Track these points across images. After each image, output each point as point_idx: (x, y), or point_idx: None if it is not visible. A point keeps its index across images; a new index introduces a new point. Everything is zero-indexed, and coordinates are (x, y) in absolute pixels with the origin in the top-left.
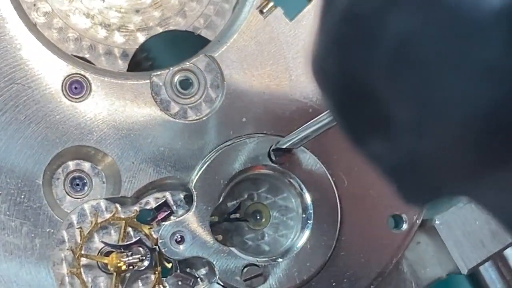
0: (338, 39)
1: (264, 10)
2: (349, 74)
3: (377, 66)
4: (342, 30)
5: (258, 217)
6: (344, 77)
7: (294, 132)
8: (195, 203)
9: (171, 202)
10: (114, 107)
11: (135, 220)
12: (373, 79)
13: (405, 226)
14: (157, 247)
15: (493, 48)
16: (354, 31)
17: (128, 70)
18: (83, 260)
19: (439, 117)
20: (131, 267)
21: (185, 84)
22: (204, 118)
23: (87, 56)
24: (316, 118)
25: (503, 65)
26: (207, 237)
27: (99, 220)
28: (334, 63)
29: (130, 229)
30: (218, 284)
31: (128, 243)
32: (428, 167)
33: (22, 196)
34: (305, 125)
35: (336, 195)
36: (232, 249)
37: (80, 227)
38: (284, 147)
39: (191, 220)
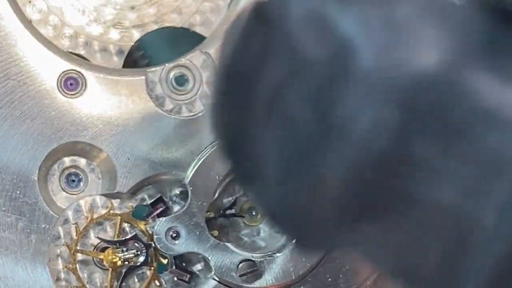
0: (222, 92)
1: None
2: (232, 124)
3: (253, 118)
4: (225, 84)
5: (253, 213)
6: (228, 125)
7: None
8: (190, 199)
9: (167, 198)
10: (109, 103)
11: (131, 216)
12: (250, 130)
13: None
14: (152, 242)
15: (351, 111)
16: (234, 86)
17: (124, 67)
18: (79, 256)
19: (304, 170)
20: (126, 262)
21: (181, 80)
22: (199, 115)
23: (82, 52)
24: None
25: (358, 128)
26: (203, 232)
27: (95, 216)
28: (221, 113)
29: (125, 225)
30: (214, 279)
31: (123, 238)
32: (297, 217)
33: (18, 192)
34: None
35: None
36: (228, 244)
37: (76, 223)
38: None
39: (187, 216)
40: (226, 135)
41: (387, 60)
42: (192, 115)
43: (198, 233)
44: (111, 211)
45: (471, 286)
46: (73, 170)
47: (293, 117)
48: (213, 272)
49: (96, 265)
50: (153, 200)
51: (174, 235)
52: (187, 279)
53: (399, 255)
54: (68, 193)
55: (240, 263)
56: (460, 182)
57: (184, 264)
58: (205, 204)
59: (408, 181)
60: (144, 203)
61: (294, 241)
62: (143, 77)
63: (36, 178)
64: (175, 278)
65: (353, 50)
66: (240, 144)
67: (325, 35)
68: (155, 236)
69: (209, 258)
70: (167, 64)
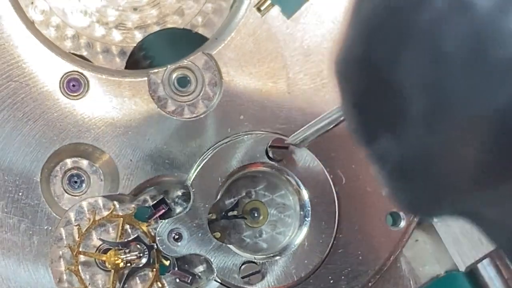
0: (369, 30)
1: (262, 8)
2: (373, 66)
3: (403, 58)
4: (373, 22)
5: (256, 215)
6: (367, 69)
7: (303, 129)
8: (192, 201)
9: (169, 200)
10: (111, 104)
11: (133, 217)
12: (397, 72)
13: (403, 224)
14: (155, 244)
15: (510, 57)
16: (386, 23)
17: (126, 68)
18: (81, 258)
19: (451, 114)
20: (129, 264)
21: (183, 81)
22: (201, 116)
23: (85, 54)
24: (325, 114)
25: None
26: (205, 234)
27: (97, 217)
28: (360, 55)
29: (128, 226)
30: (216, 281)
31: (126, 240)
32: (434, 168)
33: (20, 194)
34: (313, 121)
35: (334, 192)
36: (230, 246)
37: (78, 225)
38: (295, 143)
39: (189, 218)
40: (363, 78)
41: None
42: (194, 117)
43: (200, 234)
44: (114, 213)
45: None
46: (76, 171)
47: (450, 54)
48: (215, 274)
49: (98, 267)
50: (155, 201)
51: (177, 236)
52: (189, 281)
53: None
54: (70, 194)
55: (242, 264)
56: None
57: (186, 265)
58: (207, 205)
59: None
60: (146, 205)
61: (413, 203)
62: (146, 79)
63: (38, 180)
64: (177, 280)
65: None
66: (380, 87)
67: None
68: (157, 238)
69: (211, 259)
70: (169, 66)
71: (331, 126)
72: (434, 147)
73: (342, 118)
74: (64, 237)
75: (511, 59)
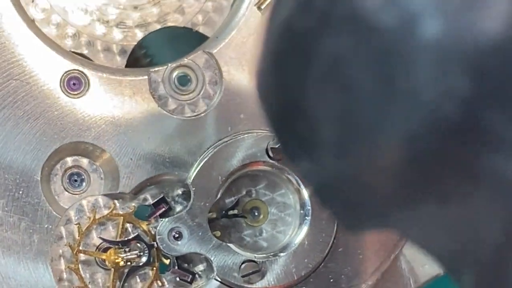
0: (277, 53)
1: (262, 7)
2: (286, 90)
3: (310, 83)
4: (280, 45)
5: (256, 214)
6: (281, 92)
7: None
8: (193, 200)
9: (169, 199)
10: (112, 103)
11: (133, 216)
12: (306, 97)
13: None
14: (155, 243)
15: (419, 78)
16: (291, 47)
17: (127, 67)
18: (81, 256)
19: (363, 140)
20: (129, 263)
21: (183, 80)
22: (202, 115)
23: (85, 52)
24: None
25: (426, 95)
26: (205, 233)
27: (97, 216)
28: (273, 77)
29: (128, 225)
30: (216, 280)
31: (126, 239)
32: (352, 192)
33: (20, 192)
34: None
35: None
36: (230, 245)
37: (78, 223)
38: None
39: (189, 216)
40: (277, 101)
41: (456, 28)
42: (194, 115)
43: (200, 233)
44: (114, 211)
45: None
46: (76, 170)
47: (355, 83)
48: (215, 273)
49: (99, 265)
50: (155, 200)
51: (177, 235)
52: (189, 280)
53: (456, 236)
54: (70, 193)
55: (242, 263)
56: None
57: (186, 264)
58: (207, 204)
59: (475, 154)
60: (147, 204)
61: (341, 219)
62: (146, 77)
63: (38, 178)
64: (177, 279)
65: (421, 18)
66: (292, 111)
67: (392, 2)
68: (157, 237)
69: (212, 258)
70: (170, 64)
71: None
72: (348, 171)
73: None
74: (64, 236)
75: (418, 83)
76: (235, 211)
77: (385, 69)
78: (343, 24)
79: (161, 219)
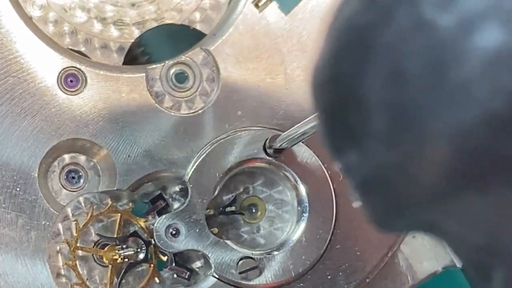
0: (337, 48)
1: (260, 4)
2: (342, 83)
3: (366, 75)
4: (341, 40)
5: (253, 211)
6: (337, 85)
7: (288, 131)
8: (190, 196)
9: (167, 195)
10: (109, 100)
11: (131, 213)
12: (361, 88)
13: None
14: (152, 240)
15: (472, 74)
16: (351, 41)
17: (124, 64)
18: (79, 253)
19: (414, 132)
20: (126, 259)
21: (181, 77)
22: (199, 112)
23: (82, 49)
24: (310, 117)
25: (478, 91)
26: (203, 230)
27: (95, 213)
28: (331, 70)
29: (125, 222)
30: (214, 276)
31: (123, 236)
32: (396, 182)
33: (18, 189)
34: (299, 124)
35: (332, 188)
36: (228, 242)
37: (76, 220)
38: (277, 147)
39: (187, 213)
40: (331, 94)
41: None
42: (192, 112)
43: (198, 230)
44: (111, 208)
45: None
46: (73, 167)
47: (410, 76)
48: (212, 269)
49: (96, 262)
50: (153, 197)
51: (174, 232)
52: (186, 276)
53: (493, 229)
54: (68, 190)
55: (239, 260)
56: None
57: (184, 261)
58: (205, 201)
59: None
60: (144, 200)
61: (378, 216)
62: (143, 74)
63: (36, 175)
64: (175, 275)
65: (481, 23)
66: (346, 103)
67: (454, 3)
68: (155, 233)
69: (209, 255)
70: (167, 61)
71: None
72: (395, 162)
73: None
74: (62, 233)
75: (471, 80)
76: (233, 208)
77: (439, 64)
78: (404, 20)
79: (159, 216)
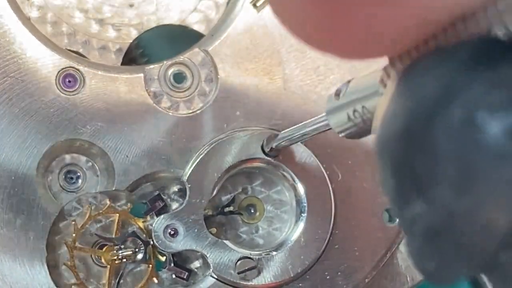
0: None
1: (258, 4)
2: (410, 137)
3: (436, 126)
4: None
5: (252, 211)
6: (404, 141)
7: (287, 130)
8: (188, 197)
9: (165, 196)
10: (107, 100)
11: (129, 213)
12: (429, 138)
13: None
14: (151, 240)
15: None
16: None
17: (122, 65)
18: (77, 253)
19: (482, 177)
20: (125, 260)
21: (179, 78)
22: (197, 112)
23: (81, 50)
24: (312, 120)
25: None
26: (201, 230)
27: (93, 213)
28: (396, 126)
29: (124, 222)
30: (212, 277)
31: (122, 236)
32: (465, 232)
33: (16, 189)
34: (299, 125)
35: (330, 188)
36: (226, 242)
37: (74, 220)
38: (274, 146)
39: (185, 214)
40: (398, 147)
41: None
42: (190, 113)
43: (196, 230)
44: (110, 209)
45: None
46: (72, 167)
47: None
48: (211, 270)
49: (94, 262)
50: (151, 197)
51: (172, 232)
52: (185, 277)
53: None
54: (66, 190)
55: (238, 260)
56: None
57: (182, 261)
58: (203, 201)
59: None
60: (143, 201)
61: (441, 270)
62: (141, 75)
63: (34, 175)
64: (173, 276)
65: None
66: (413, 154)
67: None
68: (153, 234)
69: (208, 255)
70: (165, 62)
71: (317, 133)
72: (463, 210)
73: (328, 128)
74: (61, 232)
75: None
76: (231, 208)
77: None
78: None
79: (157, 216)
